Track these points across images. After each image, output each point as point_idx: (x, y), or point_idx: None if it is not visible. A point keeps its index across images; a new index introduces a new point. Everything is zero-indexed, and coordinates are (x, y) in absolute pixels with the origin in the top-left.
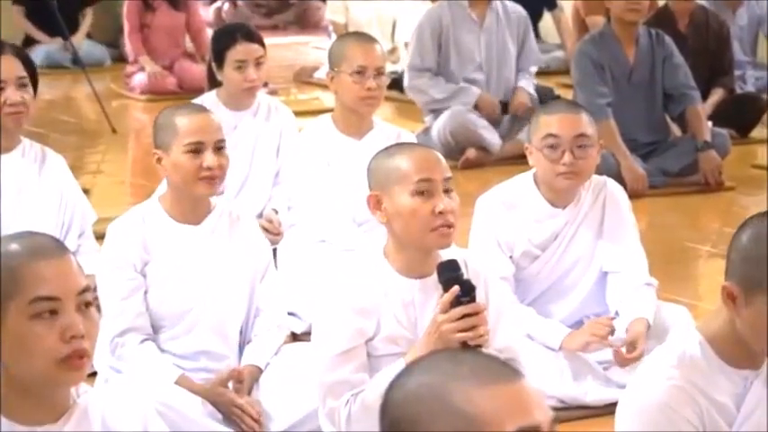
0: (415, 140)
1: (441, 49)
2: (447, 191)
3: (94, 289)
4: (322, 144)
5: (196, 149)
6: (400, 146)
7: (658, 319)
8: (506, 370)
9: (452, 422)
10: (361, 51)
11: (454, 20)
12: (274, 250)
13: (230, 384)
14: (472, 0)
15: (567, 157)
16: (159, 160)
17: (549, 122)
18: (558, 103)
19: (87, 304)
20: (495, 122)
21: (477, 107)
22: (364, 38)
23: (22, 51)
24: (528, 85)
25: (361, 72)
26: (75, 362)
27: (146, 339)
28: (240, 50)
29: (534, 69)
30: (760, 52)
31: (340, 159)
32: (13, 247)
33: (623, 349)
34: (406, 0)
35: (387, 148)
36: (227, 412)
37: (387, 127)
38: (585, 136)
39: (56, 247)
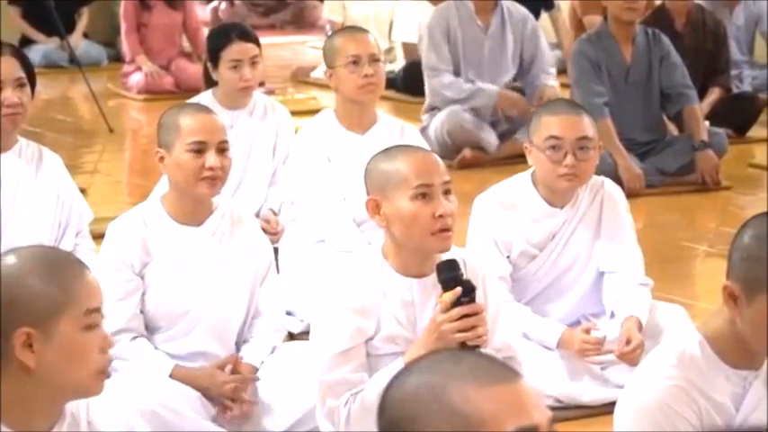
0: (419, 135)
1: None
2: (446, 192)
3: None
4: (323, 139)
5: (198, 149)
6: (399, 149)
7: (653, 319)
8: (505, 370)
9: (451, 422)
10: (352, 42)
11: (461, 24)
12: (275, 250)
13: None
14: (478, 4)
15: (569, 159)
16: (162, 159)
17: (551, 123)
18: (560, 103)
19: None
20: (498, 122)
21: (496, 106)
22: (354, 29)
23: (20, 52)
24: (554, 83)
25: (355, 62)
26: (106, 374)
27: (137, 337)
28: (235, 50)
29: (553, 70)
30: (758, 51)
31: (342, 155)
32: (51, 261)
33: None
34: None
35: (384, 151)
36: (219, 394)
37: (390, 121)
38: (588, 138)
39: (81, 261)
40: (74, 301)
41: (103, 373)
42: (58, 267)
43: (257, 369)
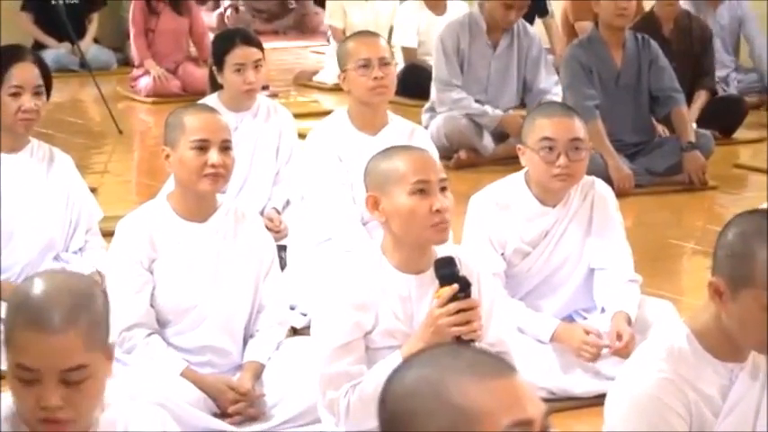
0: (428, 138)
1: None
2: (442, 189)
3: (103, 283)
4: (335, 139)
5: (201, 146)
6: (396, 148)
7: (642, 314)
8: (501, 365)
9: (448, 416)
10: (363, 45)
11: (471, 42)
12: (282, 247)
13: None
14: (492, 24)
15: (562, 160)
16: (167, 157)
17: (544, 125)
18: (552, 105)
19: (77, 382)
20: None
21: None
22: (365, 33)
23: (40, 58)
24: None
25: (365, 65)
26: (50, 426)
27: (152, 333)
28: (239, 54)
29: (558, 90)
30: (743, 55)
31: (353, 155)
32: (24, 303)
33: (616, 343)
34: (402, 3)
35: (383, 152)
36: (224, 408)
37: (401, 123)
38: (579, 139)
39: (57, 322)
40: (9, 348)
41: (45, 425)
42: (20, 308)
43: (264, 366)
